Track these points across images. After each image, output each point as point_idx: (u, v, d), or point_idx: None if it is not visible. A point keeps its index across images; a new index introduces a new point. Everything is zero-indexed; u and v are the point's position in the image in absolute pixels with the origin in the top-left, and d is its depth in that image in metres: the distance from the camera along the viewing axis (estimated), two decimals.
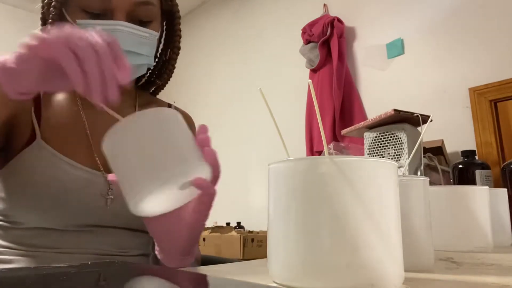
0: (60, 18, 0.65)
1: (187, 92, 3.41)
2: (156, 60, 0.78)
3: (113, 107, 0.69)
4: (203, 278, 0.33)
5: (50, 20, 0.66)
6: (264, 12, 2.89)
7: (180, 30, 0.77)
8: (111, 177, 0.46)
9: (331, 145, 1.42)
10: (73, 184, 0.60)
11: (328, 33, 2.24)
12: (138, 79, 0.79)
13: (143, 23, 0.65)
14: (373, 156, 1.19)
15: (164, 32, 0.77)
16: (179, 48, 0.78)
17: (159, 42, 0.75)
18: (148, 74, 0.80)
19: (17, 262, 0.59)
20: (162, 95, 0.83)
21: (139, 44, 0.64)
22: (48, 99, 0.67)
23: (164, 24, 0.76)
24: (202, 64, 3.39)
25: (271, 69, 2.73)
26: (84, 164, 0.62)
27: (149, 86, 0.81)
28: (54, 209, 0.59)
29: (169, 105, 0.81)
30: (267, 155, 1.49)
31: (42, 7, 0.68)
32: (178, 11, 0.75)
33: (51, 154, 0.61)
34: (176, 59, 0.78)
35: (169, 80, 0.81)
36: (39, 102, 0.65)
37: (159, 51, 0.77)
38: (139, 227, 0.65)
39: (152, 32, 0.66)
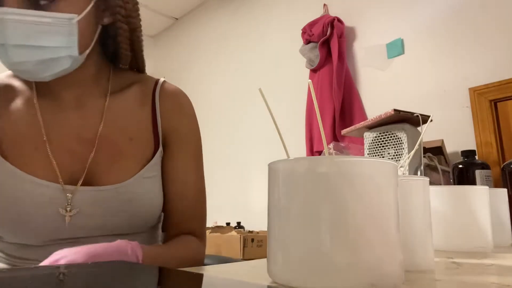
0: None
1: (187, 92, 3.41)
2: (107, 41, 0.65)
3: (78, 100, 0.63)
4: (203, 278, 0.33)
5: None
6: (264, 12, 2.89)
7: (122, 5, 0.61)
8: None
9: (331, 145, 1.42)
10: (34, 205, 0.56)
11: (328, 33, 2.24)
12: (113, 59, 0.67)
13: (43, 5, 0.52)
14: (373, 156, 1.19)
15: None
16: (123, 29, 0.62)
17: (106, 22, 0.61)
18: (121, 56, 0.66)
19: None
20: None
21: (39, 34, 0.52)
22: (3, 106, 0.61)
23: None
24: (202, 64, 3.39)
25: (271, 69, 2.73)
26: (43, 177, 0.57)
27: (128, 64, 0.69)
28: (18, 230, 0.57)
29: (157, 81, 0.70)
30: (267, 155, 1.49)
31: None
32: None
33: (11, 174, 0.56)
34: (125, 41, 0.64)
35: (139, 64, 0.70)
36: None
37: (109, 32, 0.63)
38: (114, 232, 0.61)
39: (60, 16, 0.53)
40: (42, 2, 0.52)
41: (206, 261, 0.77)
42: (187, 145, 0.68)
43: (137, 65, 0.71)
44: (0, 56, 0.52)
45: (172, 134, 0.67)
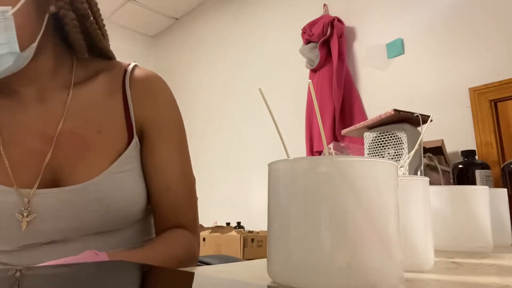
0: None
1: (187, 92, 3.41)
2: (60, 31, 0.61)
3: (38, 95, 0.59)
4: (202, 278, 0.33)
5: None
6: (264, 12, 2.89)
7: None
8: None
9: (331, 145, 1.42)
10: None
11: (328, 33, 2.24)
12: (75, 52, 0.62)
13: None
14: (373, 156, 1.19)
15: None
16: (67, 16, 0.57)
17: (54, 11, 0.56)
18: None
19: None
20: None
21: None
22: None
23: None
24: (202, 64, 3.39)
25: (271, 69, 2.73)
26: (0, 182, 0.54)
27: (89, 53, 0.65)
28: None
29: (126, 67, 0.65)
30: (267, 155, 1.49)
31: None
32: None
33: None
34: (74, 26, 0.58)
35: (103, 50, 0.65)
36: None
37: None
38: (88, 232, 0.57)
39: None
40: None
41: (207, 260, 0.76)
42: (166, 133, 0.63)
43: (101, 53, 0.65)
44: None
45: (148, 122, 0.62)
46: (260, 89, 0.36)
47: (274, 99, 2.49)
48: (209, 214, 2.75)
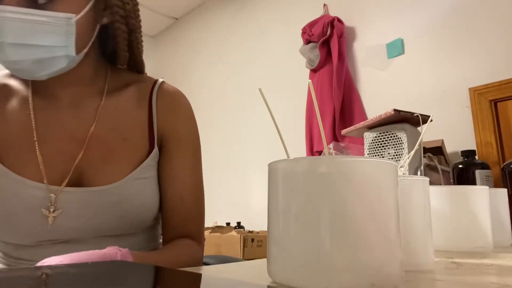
0: None
1: (187, 92, 3.41)
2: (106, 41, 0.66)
3: (74, 99, 0.64)
4: (202, 278, 0.33)
5: None
6: (264, 12, 2.89)
7: (119, 5, 0.61)
8: None
9: (331, 145, 1.42)
10: (18, 204, 0.56)
11: (328, 33, 2.24)
12: (112, 59, 0.67)
13: (41, 4, 0.52)
14: (373, 156, 1.19)
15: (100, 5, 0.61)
16: (120, 29, 0.62)
17: (105, 21, 0.61)
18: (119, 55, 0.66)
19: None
20: None
21: (36, 33, 0.52)
22: None
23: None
24: (202, 64, 3.39)
25: (271, 69, 2.73)
26: (31, 177, 0.57)
27: (127, 65, 0.69)
28: (7, 230, 0.57)
29: (155, 81, 0.70)
30: (267, 155, 1.49)
31: None
32: None
33: (2, 174, 0.56)
34: (122, 41, 0.63)
35: (138, 64, 0.69)
36: None
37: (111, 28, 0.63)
38: (105, 233, 0.60)
39: (58, 15, 0.53)
40: (40, 1, 0.52)
41: (207, 260, 0.76)
42: (184, 146, 0.67)
43: (136, 65, 0.71)
44: None
45: (168, 134, 0.66)
46: (260, 89, 0.36)
47: (274, 99, 2.49)
48: (209, 214, 2.73)
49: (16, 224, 0.56)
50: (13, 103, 0.62)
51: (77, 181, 0.59)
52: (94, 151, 0.61)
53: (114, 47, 0.65)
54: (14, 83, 0.64)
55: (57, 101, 0.63)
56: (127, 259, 0.47)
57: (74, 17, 0.54)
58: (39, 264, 0.42)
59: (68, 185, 0.58)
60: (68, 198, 0.57)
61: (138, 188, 0.61)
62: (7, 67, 0.56)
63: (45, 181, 0.57)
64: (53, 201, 0.56)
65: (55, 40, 0.54)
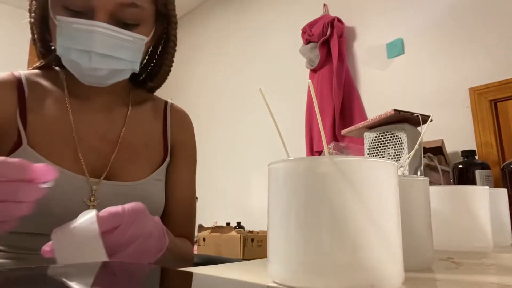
0: (43, 12, 0.64)
1: (188, 92, 3.41)
2: (148, 62, 0.77)
3: (106, 105, 0.71)
4: (202, 278, 0.33)
5: (33, 14, 0.66)
6: (264, 12, 2.89)
7: (175, 36, 0.74)
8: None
9: (331, 145, 1.42)
10: (59, 192, 0.58)
11: (328, 33, 2.24)
12: (134, 76, 0.77)
13: (128, 25, 0.62)
14: (373, 156, 1.19)
15: (161, 36, 0.74)
16: (172, 54, 0.75)
17: (152, 45, 0.74)
18: (143, 75, 0.79)
19: (9, 265, 0.59)
20: (162, 94, 0.83)
21: (119, 47, 0.61)
22: (34, 101, 0.66)
23: (159, 27, 0.73)
24: (202, 64, 3.39)
25: (271, 69, 2.73)
26: (70, 168, 0.62)
27: (144, 85, 0.80)
28: (38, 216, 0.57)
29: (166, 102, 0.81)
30: (267, 155, 1.49)
31: None
32: (175, 16, 0.73)
33: (37, 161, 0.58)
34: (170, 64, 0.76)
35: (162, 83, 0.80)
36: (24, 105, 0.64)
37: (155, 54, 0.76)
38: None
39: (137, 36, 0.63)
40: (129, 22, 0.62)
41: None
42: (188, 157, 0.78)
43: (156, 81, 0.79)
44: (81, 60, 0.59)
45: (177, 146, 0.77)
46: (260, 89, 0.36)
47: (274, 99, 2.49)
48: (209, 214, 2.75)
49: (55, 209, 0.59)
50: (49, 101, 0.67)
51: (110, 176, 0.66)
52: (123, 150, 0.69)
53: (148, 78, 0.78)
54: (45, 83, 0.69)
55: (92, 105, 0.70)
56: (166, 233, 0.54)
57: (146, 39, 0.65)
58: (102, 212, 0.47)
59: (104, 178, 0.65)
60: (105, 190, 0.64)
61: (156, 188, 0.70)
62: (81, 73, 0.62)
63: (86, 174, 0.63)
64: (94, 192, 0.63)
65: (131, 56, 0.63)
